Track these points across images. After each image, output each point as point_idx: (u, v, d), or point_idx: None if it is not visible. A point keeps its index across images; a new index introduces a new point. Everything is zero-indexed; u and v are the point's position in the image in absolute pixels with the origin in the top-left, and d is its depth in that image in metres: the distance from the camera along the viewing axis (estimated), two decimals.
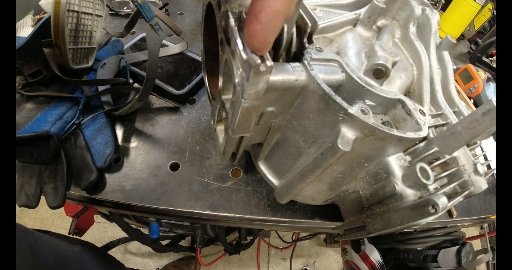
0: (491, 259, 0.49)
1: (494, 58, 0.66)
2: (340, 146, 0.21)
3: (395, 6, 0.29)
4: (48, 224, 1.16)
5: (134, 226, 0.83)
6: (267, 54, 0.17)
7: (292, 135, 0.27)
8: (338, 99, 0.21)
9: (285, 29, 0.23)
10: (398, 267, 0.48)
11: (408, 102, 0.25)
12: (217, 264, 1.06)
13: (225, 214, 0.36)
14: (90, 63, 0.46)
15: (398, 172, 0.25)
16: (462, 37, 0.75)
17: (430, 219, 0.21)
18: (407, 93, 0.29)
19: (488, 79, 0.64)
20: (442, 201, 0.21)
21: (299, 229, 0.68)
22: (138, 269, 0.68)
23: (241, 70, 0.18)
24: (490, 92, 0.59)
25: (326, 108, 0.22)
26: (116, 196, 0.37)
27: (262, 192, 0.38)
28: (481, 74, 0.58)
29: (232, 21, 0.20)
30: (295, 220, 0.37)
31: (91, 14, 0.45)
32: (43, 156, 0.37)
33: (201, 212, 0.37)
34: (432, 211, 0.21)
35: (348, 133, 0.21)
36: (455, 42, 0.30)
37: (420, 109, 0.25)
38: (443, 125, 0.28)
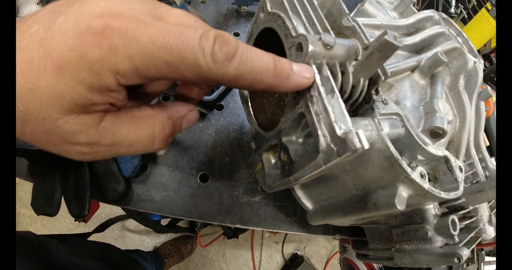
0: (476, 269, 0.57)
1: None
2: (397, 206, 0.23)
3: (451, 55, 0.29)
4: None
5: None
6: (362, 132, 0.18)
7: (342, 176, 0.28)
8: (404, 164, 0.22)
9: (361, 82, 0.23)
10: None
11: (451, 159, 0.27)
12: (213, 245, 1.13)
13: (254, 228, 0.39)
14: None
15: (432, 220, 0.28)
16: (478, 52, 0.77)
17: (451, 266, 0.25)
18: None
19: None
20: (465, 253, 0.25)
21: None
22: None
23: (329, 140, 0.19)
24: None
25: (389, 168, 0.23)
26: (145, 207, 0.38)
27: (289, 207, 0.41)
28: (493, 97, 0.60)
29: (320, 84, 0.20)
30: (318, 235, 0.40)
31: None
32: (63, 159, 0.36)
33: (231, 225, 0.39)
34: (456, 261, 0.25)
35: (403, 192, 0.23)
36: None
37: (459, 166, 0.27)
38: (471, 173, 0.31)
